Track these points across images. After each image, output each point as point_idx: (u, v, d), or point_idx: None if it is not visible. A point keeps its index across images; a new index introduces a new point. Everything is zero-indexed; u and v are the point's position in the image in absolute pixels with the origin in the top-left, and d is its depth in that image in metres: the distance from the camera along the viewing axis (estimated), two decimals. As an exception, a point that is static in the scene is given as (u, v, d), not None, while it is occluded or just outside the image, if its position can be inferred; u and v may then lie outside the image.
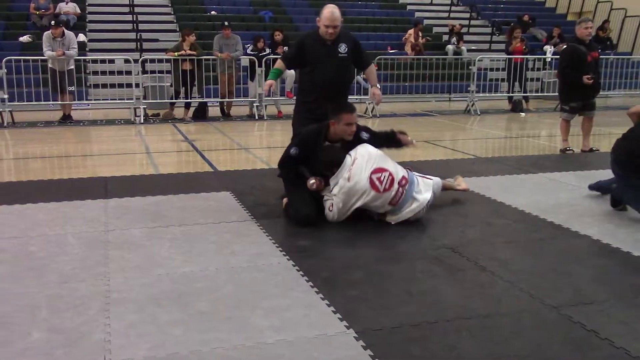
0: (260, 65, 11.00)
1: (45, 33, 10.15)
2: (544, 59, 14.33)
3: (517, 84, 12.47)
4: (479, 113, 11.75)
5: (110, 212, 4.70)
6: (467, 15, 18.42)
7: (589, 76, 6.97)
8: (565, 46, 7.65)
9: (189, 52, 10.56)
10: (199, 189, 5.40)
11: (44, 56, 10.07)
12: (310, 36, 4.99)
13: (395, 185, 4.26)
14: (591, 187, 5.19)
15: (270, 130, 10.11)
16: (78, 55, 10.49)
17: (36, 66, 10.57)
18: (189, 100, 10.83)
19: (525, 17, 17.37)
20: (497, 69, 13.84)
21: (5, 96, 9.94)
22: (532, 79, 13.64)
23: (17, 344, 2.65)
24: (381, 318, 2.90)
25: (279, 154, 4.68)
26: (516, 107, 12.22)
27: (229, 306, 3.03)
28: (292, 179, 4.57)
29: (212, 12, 16.04)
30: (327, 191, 4.40)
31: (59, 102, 10.40)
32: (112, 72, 11.70)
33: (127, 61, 10.82)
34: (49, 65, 10.09)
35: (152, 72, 11.42)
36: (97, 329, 2.79)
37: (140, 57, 11.43)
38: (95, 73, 12.66)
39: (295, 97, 5.29)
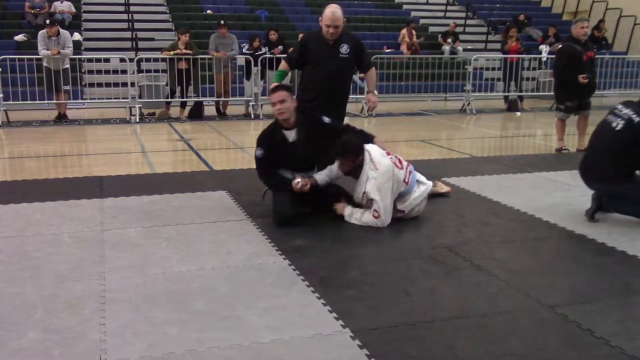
0: (256, 65, 11.01)
1: (41, 32, 10.10)
2: (540, 58, 14.38)
3: (512, 83, 12.50)
4: (474, 112, 11.77)
5: (106, 211, 4.69)
6: (463, 14, 18.46)
7: (584, 75, 6.99)
8: (561, 45, 7.67)
9: (184, 51, 10.55)
10: (195, 188, 5.39)
11: (39, 55, 10.03)
12: (313, 35, 4.99)
13: (404, 162, 4.43)
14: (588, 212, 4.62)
15: (266, 130, 10.08)
16: (73, 54, 10.47)
17: (31, 65, 10.52)
18: (184, 99, 10.82)
19: (521, 17, 17.45)
20: (493, 69, 13.89)
21: (0, 95, 9.92)
22: (527, 79, 13.68)
23: (12, 343, 2.64)
24: (377, 317, 2.90)
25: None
26: (512, 106, 12.25)
27: (225, 305, 3.03)
28: (276, 184, 4.52)
29: (208, 11, 16.03)
30: (349, 211, 4.39)
31: (54, 101, 10.37)
32: (107, 71, 11.69)
33: (122, 60, 10.79)
34: (44, 64, 10.06)
35: (148, 71, 11.40)
36: (93, 328, 2.78)
37: (136, 56, 11.41)
38: (90, 72, 12.64)
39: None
